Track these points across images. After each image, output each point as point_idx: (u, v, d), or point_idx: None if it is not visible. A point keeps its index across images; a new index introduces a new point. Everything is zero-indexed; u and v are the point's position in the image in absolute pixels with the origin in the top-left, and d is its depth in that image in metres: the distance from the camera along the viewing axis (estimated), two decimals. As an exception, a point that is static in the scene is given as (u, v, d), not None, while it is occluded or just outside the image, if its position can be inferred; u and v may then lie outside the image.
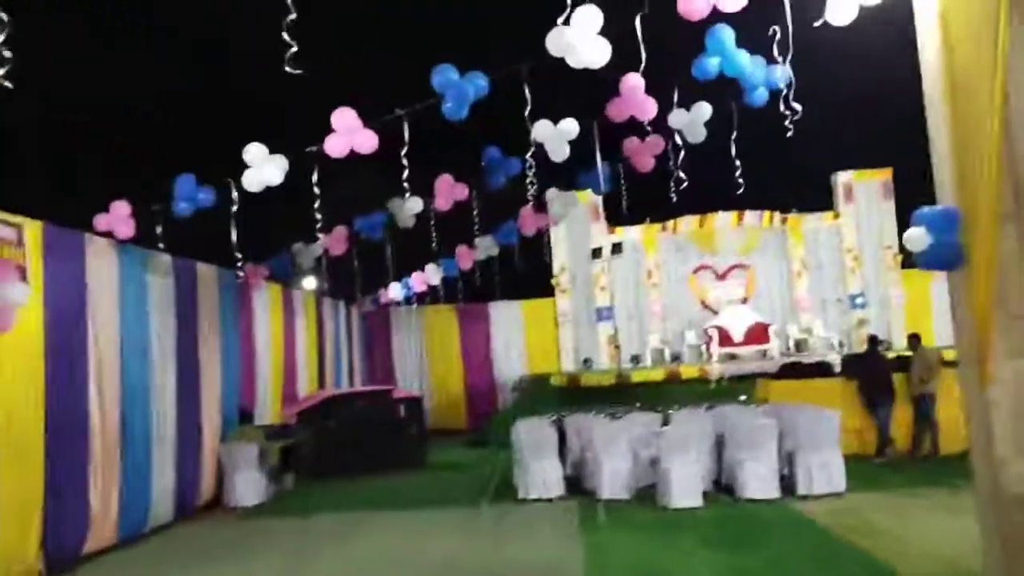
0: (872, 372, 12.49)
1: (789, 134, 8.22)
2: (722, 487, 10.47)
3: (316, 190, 7.90)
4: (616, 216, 20.80)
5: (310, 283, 16.92)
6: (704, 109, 8.77)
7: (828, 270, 21.41)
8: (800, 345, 20.16)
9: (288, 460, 14.00)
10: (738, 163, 9.11)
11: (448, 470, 14.51)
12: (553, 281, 21.08)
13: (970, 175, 4.99)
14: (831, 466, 9.69)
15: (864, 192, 21.38)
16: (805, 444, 9.75)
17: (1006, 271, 4.91)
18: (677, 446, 9.72)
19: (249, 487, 11.93)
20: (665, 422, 11.44)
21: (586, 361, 20.57)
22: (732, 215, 20.68)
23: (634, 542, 8.36)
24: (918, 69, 5.49)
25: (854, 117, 21.02)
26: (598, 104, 8.17)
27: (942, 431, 12.32)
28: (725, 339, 19.91)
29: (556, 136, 8.49)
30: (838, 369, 13.67)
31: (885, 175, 21.29)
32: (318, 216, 8.21)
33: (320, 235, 10.07)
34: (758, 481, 9.68)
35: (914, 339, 12.84)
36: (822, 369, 13.57)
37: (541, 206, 12.54)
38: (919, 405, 12.38)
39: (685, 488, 9.60)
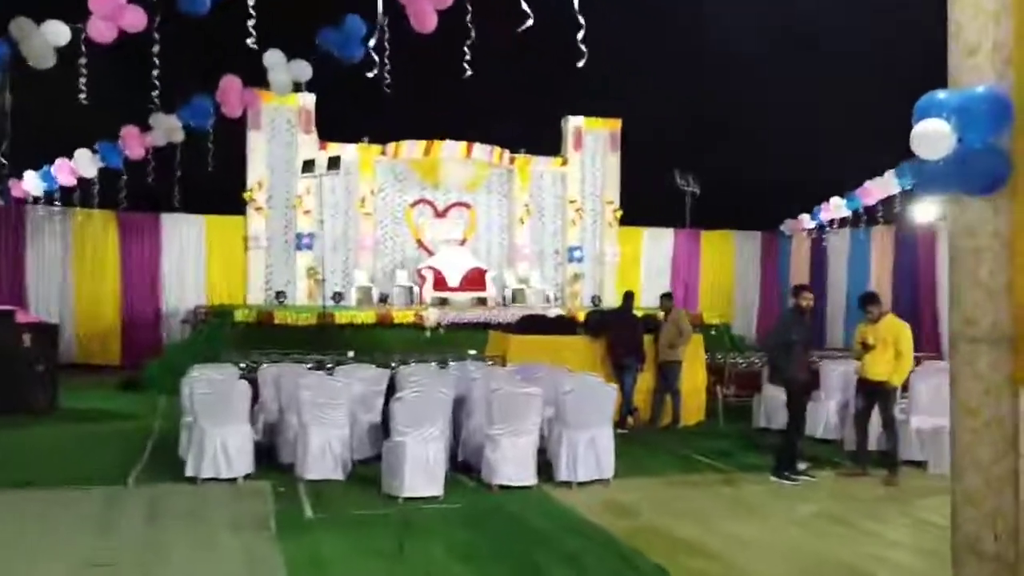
0: (624, 332, 10.97)
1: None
2: (459, 466, 8.28)
3: None
4: (333, 129, 17.81)
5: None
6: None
7: (550, 219, 20.16)
8: (516, 295, 18.68)
9: None
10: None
11: (87, 421, 11.00)
12: (246, 195, 17.57)
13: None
14: (600, 447, 7.85)
15: (592, 141, 20.29)
16: (573, 420, 7.80)
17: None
18: (414, 414, 7.32)
19: None
20: (392, 380, 9.01)
21: (279, 295, 17.46)
22: (461, 146, 18.50)
23: (359, 556, 5.83)
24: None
25: (589, 59, 19.87)
26: None
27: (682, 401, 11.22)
28: (439, 282, 17.85)
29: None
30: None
31: (614, 125, 20.32)
32: None
33: None
34: (514, 464, 7.58)
35: (667, 299, 11.53)
36: (565, 325, 11.87)
37: (254, 81, 9.22)
38: (664, 372, 11.12)
39: (423, 471, 7.24)
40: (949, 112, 3.15)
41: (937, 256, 16.95)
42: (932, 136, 3.15)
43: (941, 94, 3.25)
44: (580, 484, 7.72)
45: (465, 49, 7.46)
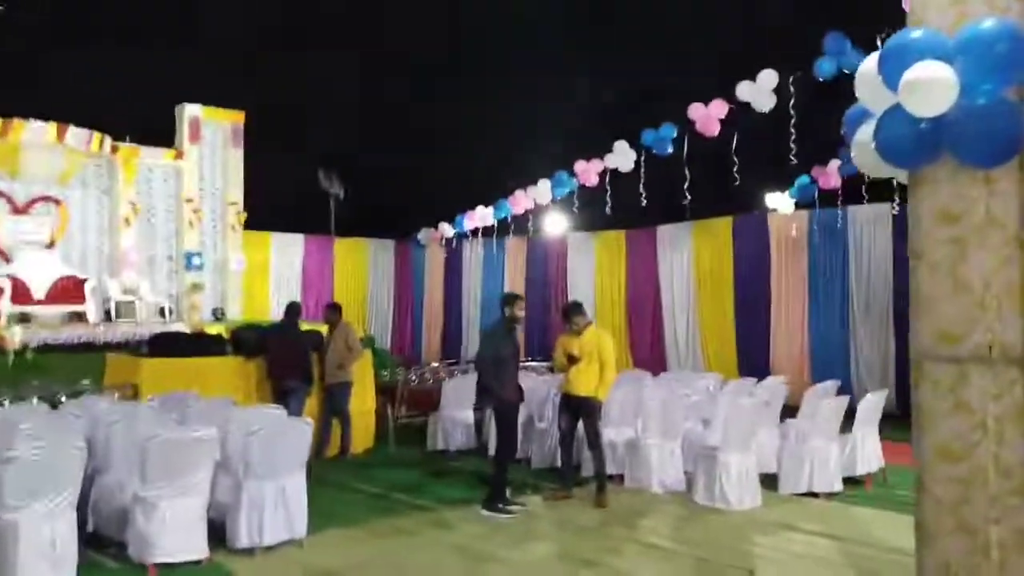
0: (287, 351, 9.33)
1: None
2: (88, 539, 6.11)
3: None
4: None
5: None
6: None
7: (162, 220, 17.43)
8: (122, 309, 15.74)
9: None
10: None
11: None
12: None
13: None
14: (291, 500, 6.23)
15: (212, 133, 17.98)
16: (258, 468, 6.09)
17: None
18: (31, 481, 5.13)
19: None
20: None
21: None
22: (51, 127, 15.10)
23: None
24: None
25: (209, 42, 17.70)
26: None
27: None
28: (20, 293, 14.38)
29: None
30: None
31: (237, 118, 18.21)
32: None
33: None
34: (178, 533, 5.68)
35: (333, 311, 10.10)
36: (211, 344, 9.84)
37: None
38: (331, 395, 9.71)
39: (45, 559, 5.09)
40: (946, 55, 2.36)
41: (568, 267, 17.60)
42: (931, 85, 2.34)
43: (917, 32, 2.46)
44: (267, 549, 6.04)
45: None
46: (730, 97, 9.41)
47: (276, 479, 6.14)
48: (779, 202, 13.34)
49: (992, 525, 2.42)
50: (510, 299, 7.66)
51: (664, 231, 15.92)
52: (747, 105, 9.26)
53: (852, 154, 3.16)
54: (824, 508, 7.50)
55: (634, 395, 8.87)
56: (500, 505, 7.25)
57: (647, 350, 16.09)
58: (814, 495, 7.77)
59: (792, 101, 8.73)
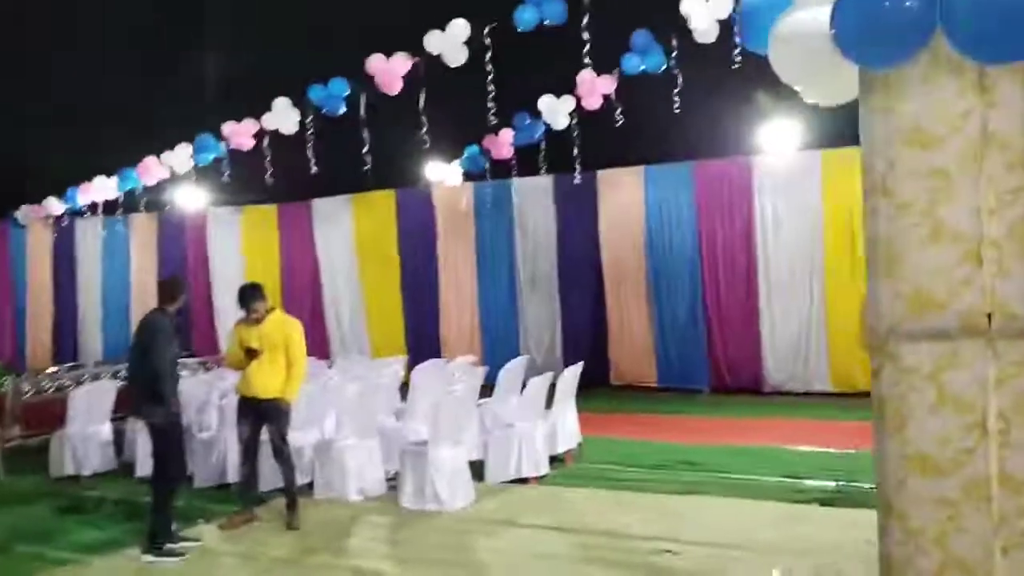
0: None
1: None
2: None
3: None
4: None
5: None
6: None
7: None
8: None
9: None
10: None
11: None
12: None
13: None
14: None
15: None
16: None
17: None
18: None
19: None
20: None
21: None
22: None
23: None
24: None
25: None
26: None
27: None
28: None
29: None
30: None
31: None
32: None
33: None
34: None
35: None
36: None
37: None
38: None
39: None
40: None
41: (209, 247, 15.66)
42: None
43: None
44: None
45: None
46: (417, 50, 8.48)
47: None
48: (443, 173, 12.79)
49: (997, 558, 1.78)
50: (178, 285, 6.08)
51: (320, 205, 14.71)
52: (437, 59, 8.41)
53: (771, 56, 2.43)
54: (537, 495, 7.02)
55: (318, 389, 7.71)
56: (167, 545, 5.71)
57: (307, 336, 14.79)
58: (523, 480, 7.26)
59: (489, 54, 8.04)
